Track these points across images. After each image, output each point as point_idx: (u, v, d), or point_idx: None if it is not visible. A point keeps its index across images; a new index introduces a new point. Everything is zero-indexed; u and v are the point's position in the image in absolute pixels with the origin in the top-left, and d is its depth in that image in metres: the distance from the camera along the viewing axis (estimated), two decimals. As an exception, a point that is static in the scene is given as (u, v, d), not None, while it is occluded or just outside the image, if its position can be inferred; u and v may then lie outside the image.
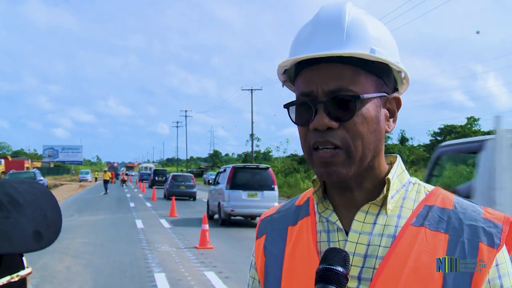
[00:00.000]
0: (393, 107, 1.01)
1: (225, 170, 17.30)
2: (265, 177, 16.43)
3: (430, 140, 41.25)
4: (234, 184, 15.89)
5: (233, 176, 16.08)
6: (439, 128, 40.78)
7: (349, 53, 0.92)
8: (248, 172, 16.62)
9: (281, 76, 1.05)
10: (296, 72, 0.99)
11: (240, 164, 22.97)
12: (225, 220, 16.01)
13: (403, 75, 1.02)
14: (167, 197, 28.31)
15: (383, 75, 0.98)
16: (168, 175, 36.04)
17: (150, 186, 41.30)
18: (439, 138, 40.34)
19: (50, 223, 0.74)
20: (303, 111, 0.96)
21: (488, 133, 36.04)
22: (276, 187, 16.39)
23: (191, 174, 32.77)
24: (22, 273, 0.72)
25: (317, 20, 0.98)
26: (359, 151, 0.94)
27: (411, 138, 45.78)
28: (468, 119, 38.63)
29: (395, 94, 1.02)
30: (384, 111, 0.99)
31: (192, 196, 29.25)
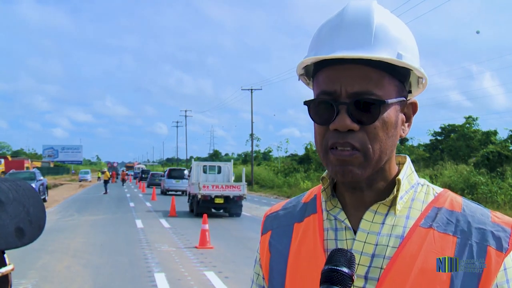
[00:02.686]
0: (409, 111, 1.01)
1: (166, 170, 36.88)
2: (183, 173, 33.96)
3: (430, 140, 41.15)
4: (170, 176, 34.82)
5: (169, 172, 35.27)
6: (440, 128, 40.67)
7: (378, 58, 0.91)
8: (176, 170, 35.58)
9: (299, 70, 1.03)
10: (317, 68, 0.97)
11: (172, 167, 41.71)
12: (164, 192, 34.62)
13: (423, 81, 1.02)
14: (148, 186, 44.83)
15: (404, 80, 0.98)
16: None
17: (139, 181, 57.73)
18: (439, 138, 40.25)
19: (33, 220, 0.74)
20: (323, 110, 0.94)
21: (488, 132, 35.75)
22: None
23: (162, 172, 49.06)
24: (3, 270, 0.72)
25: (343, 18, 0.95)
26: (376, 154, 0.93)
27: (411, 138, 45.72)
28: (467, 118, 38.56)
29: (413, 99, 1.01)
30: (401, 116, 0.98)
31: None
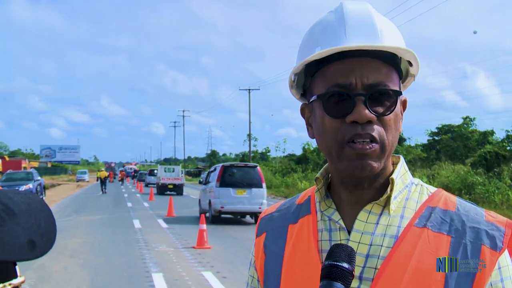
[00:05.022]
0: (401, 108, 1.02)
1: (148, 170, 55.86)
2: (155, 172, 44.34)
3: (428, 140, 41.19)
4: (150, 174, 49.85)
5: (149, 172, 51.12)
6: (437, 128, 40.73)
7: (404, 48, 0.93)
8: (153, 170, 47.94)
9: (299, 66, 1.00)
10: (320, 65, 0.96)
11: (151, 168, 53.61)
12: (146, 185, 48.29)
13: (414, 80, 1.04)
14: (137, 181, 55.47)
15: (402, 76, 1.00)
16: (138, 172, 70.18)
17: (132, 178, 71.21)
18: (436, 138, 40.30)
19: (44, 233, 0.74)
20: (337, 102, 0.93)
21: (485, 132, 35.85)
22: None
23: (147, 171, 59.69)
24: (15, 281, 0.72)
25: (344, 16, 0.96)
26: (390, 146, 0.94)
27: (409, 138, 45.78)
28: (464, 119, 38.63)
29: (404, 97, 1.02)
30: (401, 110, 1.00)
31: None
